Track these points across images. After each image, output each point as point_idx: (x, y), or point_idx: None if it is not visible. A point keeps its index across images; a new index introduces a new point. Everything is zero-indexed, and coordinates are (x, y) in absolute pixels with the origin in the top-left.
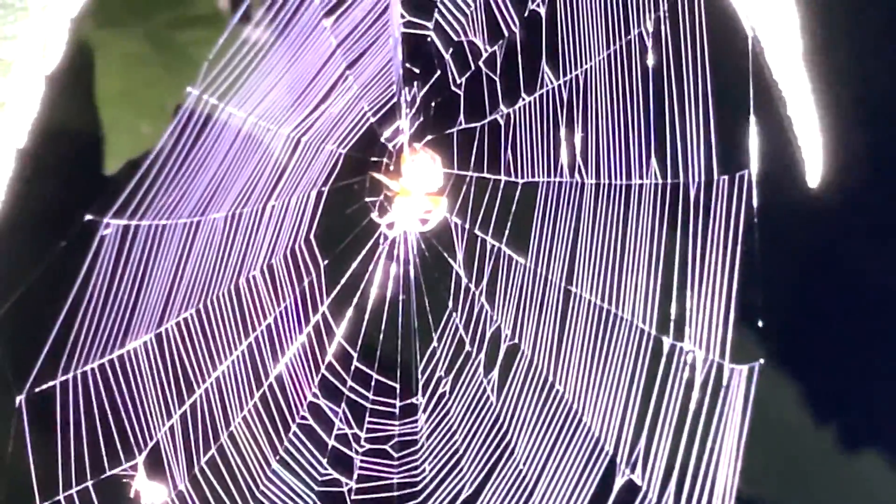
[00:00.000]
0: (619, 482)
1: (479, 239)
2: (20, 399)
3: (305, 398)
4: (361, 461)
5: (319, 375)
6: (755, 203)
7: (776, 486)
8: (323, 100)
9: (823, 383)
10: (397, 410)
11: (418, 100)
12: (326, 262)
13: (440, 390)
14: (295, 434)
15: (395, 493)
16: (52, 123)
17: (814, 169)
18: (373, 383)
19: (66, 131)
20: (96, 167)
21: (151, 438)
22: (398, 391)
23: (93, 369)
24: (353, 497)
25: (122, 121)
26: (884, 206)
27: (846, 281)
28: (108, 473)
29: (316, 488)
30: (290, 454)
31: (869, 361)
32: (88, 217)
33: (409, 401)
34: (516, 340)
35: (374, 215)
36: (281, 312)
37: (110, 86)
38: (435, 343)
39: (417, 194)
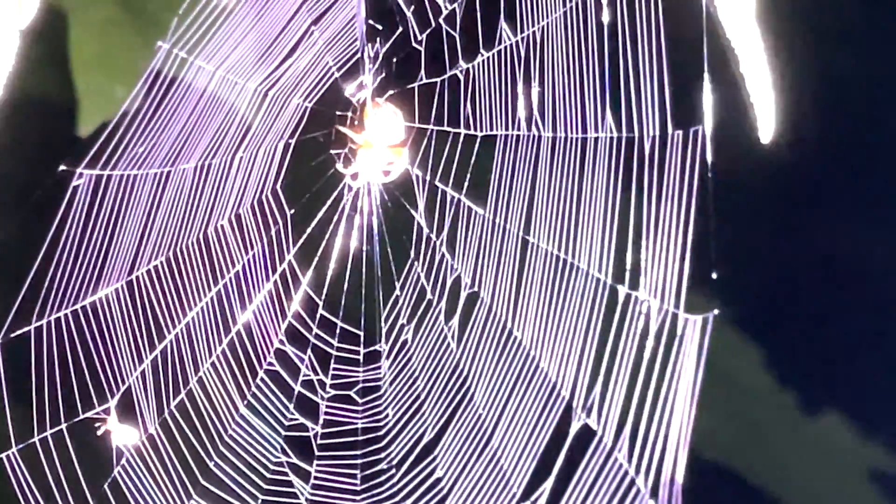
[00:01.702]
0: (574, 426)
1: (440, 190)
2: None
3: (272, 345)
4: (327, 406)
5: (286, 322)
6: (709, 158)
7: (735, 447)
8: (289, 54)
9: (781, 341)
10: (361, 357)
11: (381, 56)
12: (293, 211)
13: (402, 338)
14: (262, 380)
15: (360, 438)
16: (27, 87)
17: (766, 125)
18: (338, 331)
19: (40, 94)
20: (70, 129)
21: (123, 383)
22: (362, 338)
23: (66, 315)
24: (318, 441)
25: (97, 85)
26: (834, 161)
27: (796, 235)
28: (82, 417)
29: (283, 432)
30: (258, 399)
31: (826, 318)
32: (62, 168)
33: (372, 348)
34: (476, 289)
35: (339, 166)
36: (248, 261)
37: (85, 50)
38: (397, 291)
39: (380, 146)
